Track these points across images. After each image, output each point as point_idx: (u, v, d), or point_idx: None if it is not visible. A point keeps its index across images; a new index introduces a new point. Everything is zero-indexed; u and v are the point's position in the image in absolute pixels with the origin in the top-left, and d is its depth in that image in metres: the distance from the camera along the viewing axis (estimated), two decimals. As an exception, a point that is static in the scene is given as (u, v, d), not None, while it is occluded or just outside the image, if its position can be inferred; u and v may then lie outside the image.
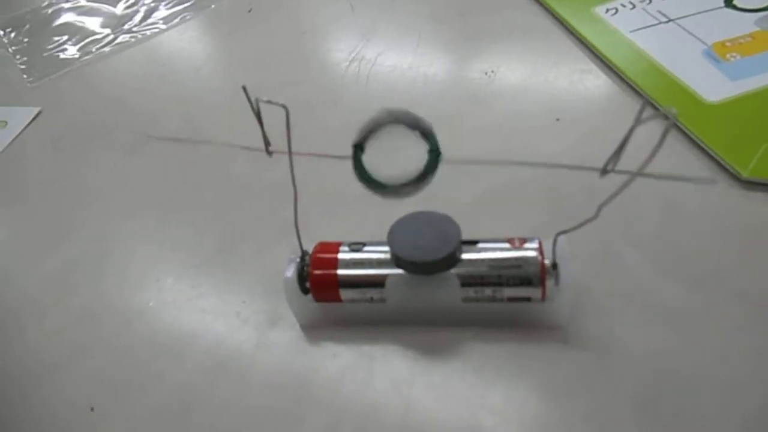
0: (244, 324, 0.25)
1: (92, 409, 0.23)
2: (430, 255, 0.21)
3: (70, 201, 0.33)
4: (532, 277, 0.21)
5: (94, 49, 0.45)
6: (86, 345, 0.25)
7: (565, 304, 0.21)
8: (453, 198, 0.27)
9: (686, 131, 0.28)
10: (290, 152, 0.20)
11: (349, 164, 0.20)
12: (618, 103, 0.31)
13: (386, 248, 0.22)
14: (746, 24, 0.33)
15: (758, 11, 0.34)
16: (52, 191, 0.34)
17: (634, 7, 0.36)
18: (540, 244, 0.21)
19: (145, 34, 0.46)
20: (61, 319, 0.26)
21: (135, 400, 0.23)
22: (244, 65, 0.42)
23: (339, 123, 0.34)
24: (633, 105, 0.31)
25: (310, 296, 0.23)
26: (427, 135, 0.19)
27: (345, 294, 0.22)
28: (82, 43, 0.46)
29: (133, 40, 0.46)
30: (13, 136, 0.38)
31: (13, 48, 0.48)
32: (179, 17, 0.47)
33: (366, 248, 0.22)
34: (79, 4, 0.52)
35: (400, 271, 0.22)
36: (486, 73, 0.35)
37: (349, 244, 0.23)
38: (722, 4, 0.35)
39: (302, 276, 0.23)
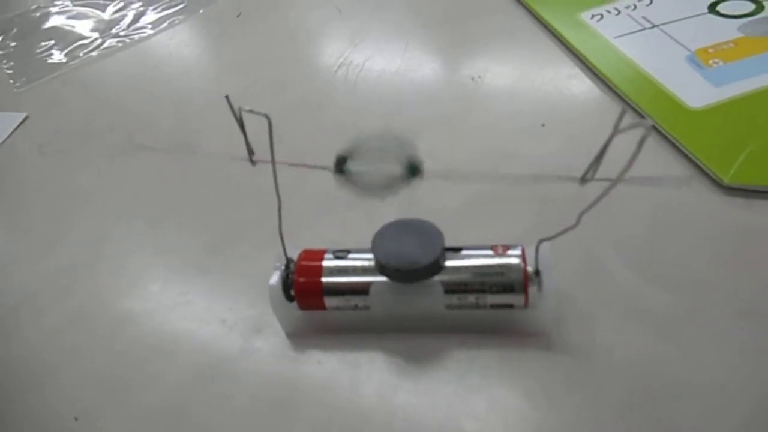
0: (230, 331, 0.25)
1: (76, 419, 0.23)
2: (413, 262, 0.21)
3: (57, 207, 0.33)
4: (514, 284, 0.21)
5: (81, 54, 0.45)
6: (72, 351, 0.25)
7: (548, 310, 0.21)
8: (438, 205, 0.27)
9: (669, 137, 0.28)
10: (273, 162, 0.20)
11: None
12: (603, 109, 0.32)
13: (371, 255, 0.22)
14: (729, 30, 0.34)
15: (741, 17, 0.34)
16: (38, 197, 0.34)
17: (619, 13, 0.37)
18: (523, 251, 0.21)
19: (133, 38, 0.46)
20: (47, 324, 0.26)
21: (120, 407, 0.23)
22: (233, 70, 0.42)
23: (327, 127, 0.35)
24: (618, 111, 0.31)
25: (294, 304, 0.23)
26: (405, 153, 0.19)
27: (329, 301, 0.22)
28: (70, 48, 0.46)
29: (121, 44, 0.46)
30: (0, 142, 0.38)
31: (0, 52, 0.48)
32: (168, 21, 0.47)
33: (350, 255, 0.23)
34: (67, 8, 0.52)
35: (384, 278, 0.22)
36: (473, 78, 0.36)
37: (334, 252, 0.23)
38: (706, 11, 0.35)
39: (287, 283, 0.23)
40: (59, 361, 0.25)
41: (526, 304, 0.21)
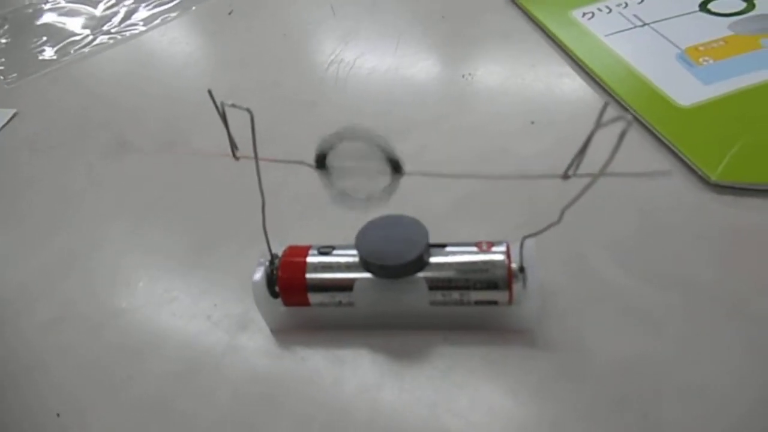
0: (215, 327, 0.24)
1: (58, 415, 0.22)
2: (397, 258, 0.21)
3: (44, 204, 0.33)
4: (498, 280, 0.21)
5: (72, 50, 0.45)
6: (59, 347, 0.25)
7: (533, 307, 0.21)
8: (424, 202, 0.27)
9: (658, 134, 0.28)
10: (256, 156, 0.20)
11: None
12: (593, 107, 0.32)
13: (355, 251, 0.22)
14: (720, 28, 0.34)
15: (732, 15, 0.34)
16: (26, 194, 0.34)
17: (610, 11, 0.37)
18: (507, 248, 0.21)
19: (124, 35, 0.46)
20: (33, 321, 0.26)
21: (104, 404, 0.23)
22: (224, 67, 0.42)
23: (317, 124, 0.34)
24: (609, 108, 0.31)
25: (279, 300, 0.23)
26: (384, 150, 0.19)
27: (313, 298, 0.22)
28: (61, 44, 0.46)
29: (112, 41, 0.45)
30: (-11, 138, 0.38)
31: (-9, 49, 0.48)
32: (160, 18, 0.47)
33: (335, 252, 0.22)
34: (59, 5, 0.52)
35: (368, 274, 0.22)
36: (464, 76, 0.35)
37: (319, 248, 0.23)
38: (697, 8, 0.35)
39: (271, 280, 0.23)
40: (47, 354, 0.25)
41: (510, 301, 0.21)
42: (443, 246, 0.22)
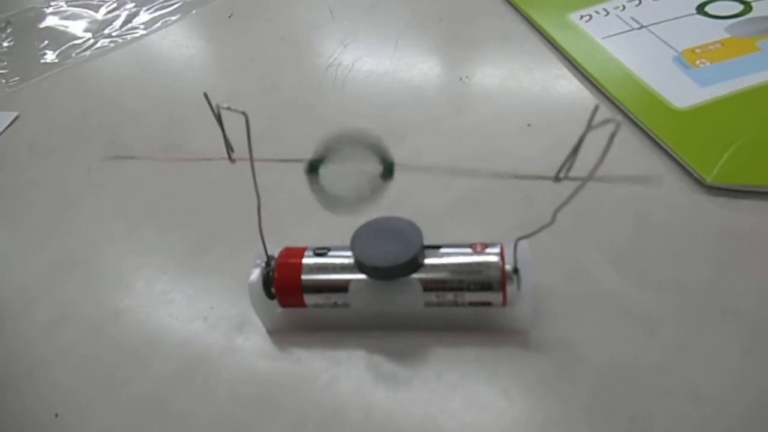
0: (212, 329, 0.25)
1: (56, 415, 0.23)
2: (391, 260, 0.21)
3: (44, 206, 0.33)
4: (492, 281, 0.21)
5: (74, 54, 0.45)
6: (58, 348, 0.25)
7: (527, 308, 0.21)
8: (419, 204, 0.28)
9: (653, 136, 0.29)
10: (251, 158, 0.20)
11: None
12: (590, 109, 0.32)
13: (350, 253, 0.22)
14: (717, 31, 0.34)
15: (729, 18, 0.34)
16: (27, 195, 0.34)
17: (607, 13, 0.37)
18: (501, 249, 0.21)
19: (125, 38, 0.46)
20: (30, 323, 0.26)
21: (102, 405, 0.23)
22: (224, 70, 0.42)
23: (315, 127, 0.35)
24: (603, 111, 0.31)
25: (275, 301, 0.23)
26: (376, 149, 0.19)
27: (309, 299, 0.22)
28: (63, 48, 0.46)
29: (113, 44, 0.46)
30: (-10, 141, 0.38)
31: (-7, 52, 0.48)
32: (161, 22, 0.47)
33: (330, 253, 0.23)
34: (61, 9, 0.52)
35: (363, 276, 0.22)
36: (461, 78, 0.36)
37: (314, 249, 0.23)
38: (694, 11, 0.35)
39: (267, 281, 0.23)
40: (46, 355, 0.25)
41: (504, 302, 0.21)
42: (437, 247, 0.22)
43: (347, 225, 0.22)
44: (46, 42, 0.47)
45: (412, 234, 0.21)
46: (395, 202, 0.26)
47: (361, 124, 0.35)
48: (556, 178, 0.18)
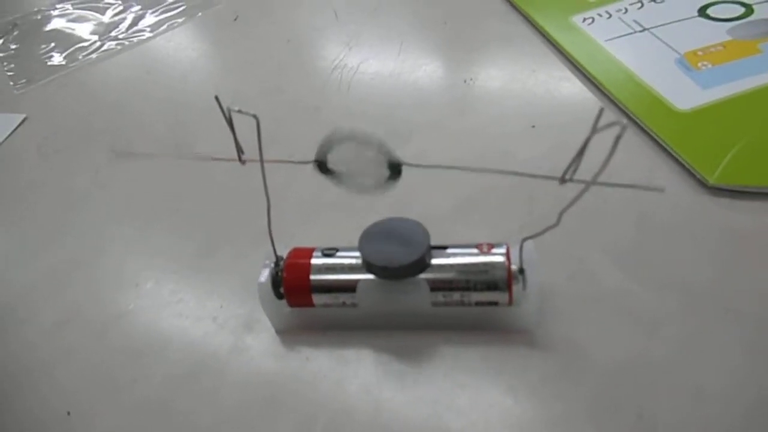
0: (221, 329, 0.25)
1: (68, 413, 0.23)
2: (399, 260, 0.21)
3: (54, 206, 0.33)
4: (499, 281, 0.21)
5: (81, 56, 0.46)
6: (65, 349, 0.25)
7: (532, 308, 0.22)
8: (426, 205, 0.28)
9: (656, 138, 0.29)
10: (262, 161, 0.20)
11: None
12: (593, 111, 0.32)
13: (358, 254, 0.22)
14: (719, 33, 0.34)
15: (731, 20, 0.35)
16: (35, 198, 0.34)
17: (610, 16, 0.37)
18: (507, 249, 0.22)
19: (132, 41, 0.47)
20: (40, 323, 0.27)
21: (112, 403, 0.23)
22: (230, 72, 0.42)
23: (321, 129, 0.35)
24: (607, 113, 0.31)
25: (284, 301, 0.23)
26: (381, 150, 0.20)
27: (317, 299, 0.23)
28: (70, 50, 0.47)
29: (120, 47, 0.46)
30: (-1, 143, 0.39)
31: (0, 54, 0.48)
32: (166, 24, 0.48)
33: (339, 254, 0.23)
34: (67, 11, 0.52)
35: (371, 276, 0.22)
36: (465, 81, 0.36)
37: (322, 250, 0.23)
38: (696, 14, 0.36)
39: (276, 281, 0.23)
40: (54, 356, 0.25)
41: (510, 302, 0.21)
42: (444, 248, 0.22)
43: (355, 226, 0.23)
44: (52, 44, 0.48)
45: (420, 235, 0.22)
46: (402, 203, 0.27)
47: (366, 125, 0.35)
48: (562, 180, 0.18)
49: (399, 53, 0.39)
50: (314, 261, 0.23)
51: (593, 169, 0.17)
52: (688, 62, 0.32)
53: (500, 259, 0.21)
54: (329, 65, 0.40)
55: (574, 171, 0.18)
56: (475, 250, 0.22)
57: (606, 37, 0.35)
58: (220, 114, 0.20)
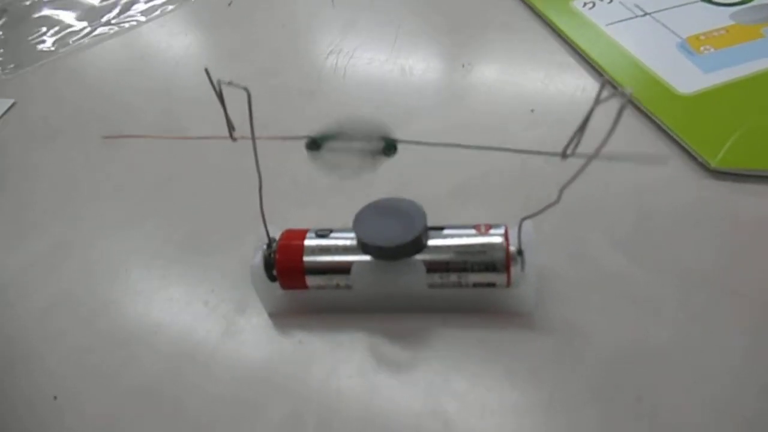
0: (212, 312, 0.24)
1: (55, 398, 0.22)
2: (395, 240, 0.21)
3: (41, 192, 0.33)
4: (497, 262, 0.21)
5: (71, 41, 0.45)
6: (55, 334, 0.25)
7: (531, 290, 0.21)
8: (424, 186, 0.27)
9: (658, 122, 0.28)
10: (253, 136, 0.20)
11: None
12: (593, 95, 0.31)
13: (353, 234, 0.22)
14: (722, 17, 0.33)
15: (734, 5, 0.34)
16: (23, 182, 0.33)
17: (611, 1, 0.37)
18: (506, 230, 0.21)
19: (123, 26, 0.46)
20: (29, 308, 0.26)
21: (101, 388, 0.23)
22: (223, 58, 0.42)
23: (315, 113, 0.34)
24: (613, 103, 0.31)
25: (277, 284, 0.23)
26: (378, 130, 0.19)
27: (311, 281, 0.22)
28: (60, 35, 0.46)
29: (111, 32, 0.45)
30: (-13, 127, 0.38)
31: (-10, 40, 0.47)
32: (159, 9, 0.47)
33: (333, 234, 0.22)
34: (58, -3, 0.51)
35: (366, 257, 0.22)
36: (463, 65, 0.35)
37: (316, 231, 0.23)
38: (698, -1, 0.35)
39: (269, 263, 0.22)
40: (43, 341, 0.25)
41: (508, 283, 0.21)
42: (441, 228, 0.22)
43: (349, 207, 0.22)
44: (42, 29, 0.47)
45: (416, 214, 0.21)
46: (399, 185, 0.26)
47: (362, 110, 0.35)
48: (564, 155, 0.18)
49: (396, 38, 0.39)
50: (308, 242, 0.22)
51: (594, 148, 0.17)
52: (690, 46, 0.32)
53: (498, 239, 0.21)
54: (325, 50, 0.39)
55: (576, 146, 0.17)
56: (473, 231, 0.21)
57: (607, 22, 0.35)
58: (213, 100, 0.19)
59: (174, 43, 0.44)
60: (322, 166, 0.20)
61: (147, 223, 0.29)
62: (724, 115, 0.28)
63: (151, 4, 0.48)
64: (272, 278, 0.23)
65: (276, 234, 0.23)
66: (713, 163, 0.26)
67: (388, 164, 0.21)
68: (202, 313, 0.24)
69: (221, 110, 0.19)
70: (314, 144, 0.19)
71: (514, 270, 0.21)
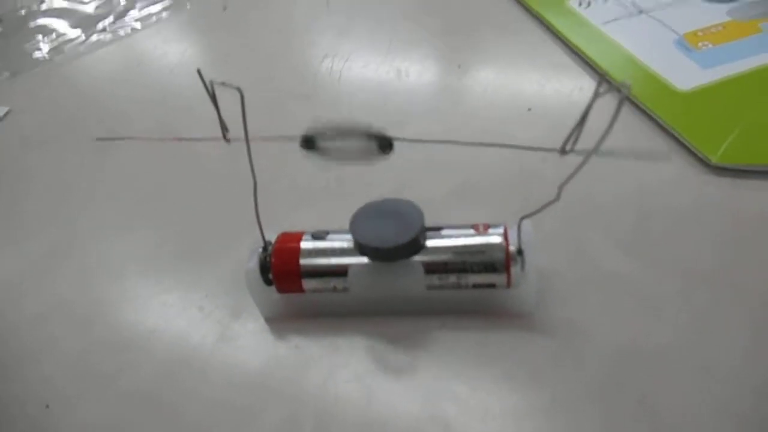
0: (207, 317, 0.24)
1: (47, 406, 0.22)
2: (392, 241, 0.20)
3: (36, 198, 0.32)
4: (496, 263, 0.20)
5: (66, 49, 0.45)
6: (50, 339, 0.24)
7: (531, 290, 0.21)
8: (423, 188, 0.27)
9: (657, 119, 0.28)
10: (246, 137, 0.19)
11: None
12: (590, 94, 0.31)
13: (349, 236, 0.21)
14: (718, 14, 0.33)
15: (731, 1, 0.34)
16: (18, 188, 0.33)
17: (606, 0, 0.36)
18: (505, 229, 0.21)
19: (118, 33, 0.46)
20: (24, 313, 0.26)
21: (97, 394, 0.22)
22: (219, 63, 0.41)
23: (311, 117, 0.34)
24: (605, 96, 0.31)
25: (273, 287, 0.22)
26: (372, 130, 0.19)
27: (307, 284, 0.22)
28: (55, 43, 0.46)
29: (106, 39, 0.45)
30: (-19, 135, 0.38)
31: (-16, 49, 0.47)
32: (154, 16, 0.47)
33: (329, 237, 0.22)
34: (54, 5, 0.51)
35: (363, 259, 0.21)
36: (459, 66, 0.35)
37: (312, 233, 0.22)
38: (694, -4, 0.35)
39: (264, 267, 0.22)
40: (37, 346, 0.24)
41: (508, 284, 0.21)
42: (439, 229, 0.21)
43: (346, 209, 0.22)
44: (37, 37, 0.47)
45: (413, 215, 0.21)
46: (397, 187, 0.26)
47: (358, 113, 0.34)
48: (563, 151, 0.17)
49: (391, 41, 0.39)
50: (304, 245, 0.22)
51: (593, 144, 0.16)
52: (688, 43, 0.31)
53: (498, 239, 0.21)
54: (320, 54, 0.39)
55: (575, 141, 0.17)
56: (472, 231, 0.21)
57: (603, 20, 0.35)
58: (209, 106, 0.19)
59: (169, 49, 0.43)
60: (317, 164, 0.20)
61: (141, 227, 0.29)
62: (723, 110, 0.28)
63: (146, 11, 0.47)
64: (268, 282, 0.22)
65: (271, 237, 0.23)
66: (714, 159, 0.25)
67: (385, 165, 0.21)
68: (197, 318, 0.24)
69: (216, 115, 0.19)
70: (309, 142, 0.19)
71: (514, 270, 0.20)
